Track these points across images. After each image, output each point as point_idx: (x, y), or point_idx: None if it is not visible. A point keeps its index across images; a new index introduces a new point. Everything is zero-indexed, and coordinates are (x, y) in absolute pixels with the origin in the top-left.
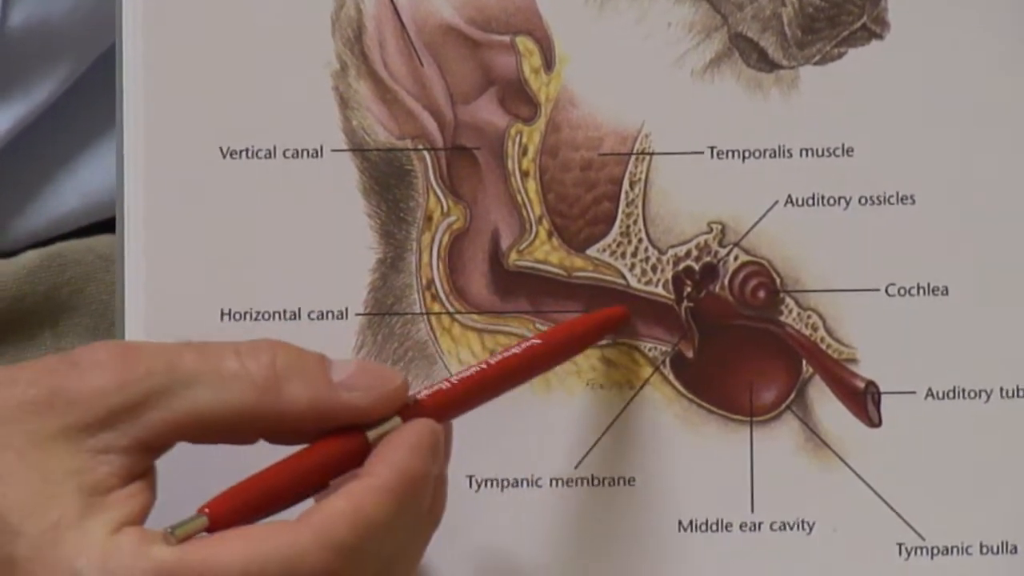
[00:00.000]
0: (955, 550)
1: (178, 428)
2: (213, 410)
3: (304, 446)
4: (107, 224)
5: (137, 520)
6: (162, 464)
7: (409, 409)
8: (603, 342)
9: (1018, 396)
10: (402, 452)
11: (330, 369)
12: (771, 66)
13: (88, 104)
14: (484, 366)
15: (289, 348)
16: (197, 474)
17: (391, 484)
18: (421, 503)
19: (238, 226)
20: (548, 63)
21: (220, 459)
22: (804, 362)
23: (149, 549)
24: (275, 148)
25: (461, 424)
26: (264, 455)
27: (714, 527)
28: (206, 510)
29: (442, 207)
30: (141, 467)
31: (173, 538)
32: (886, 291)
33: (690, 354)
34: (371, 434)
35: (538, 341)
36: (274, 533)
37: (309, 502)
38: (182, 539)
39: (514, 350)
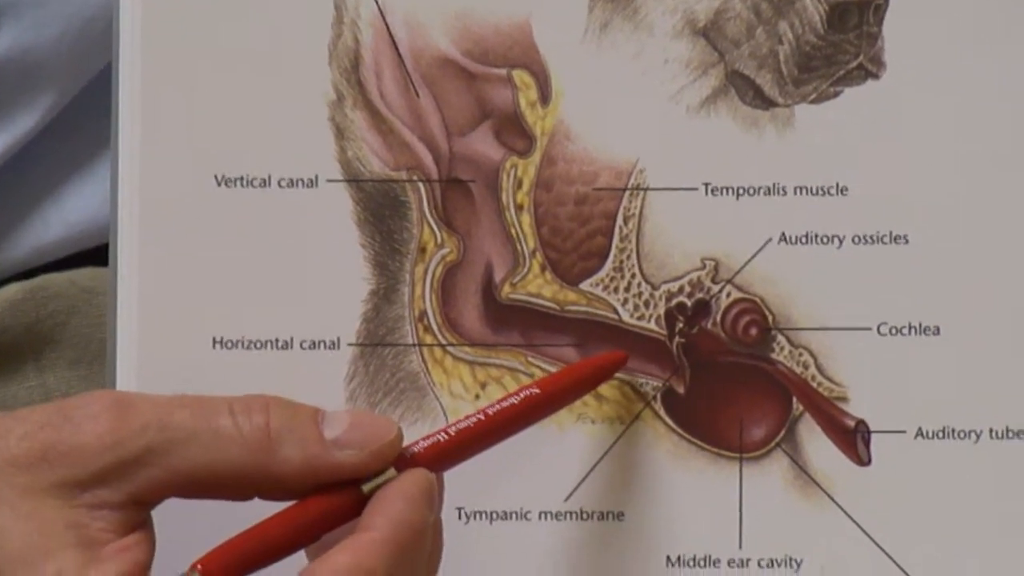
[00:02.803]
0: None
1: (171, 485)
2: (206, 468)
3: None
4: (91, 254)
5: (136, 573)
6: (158, 514)
7: (405, 461)
8: None
9: (1008, 437)
10: (399, 504)
11: (323, 424)
12: (767, 104)
13: (74, 133)
14: (481, 416)
15: (283, 406)
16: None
17: (390, 537)
18: (420, 554)
19: (232, 254)
20: (544, 97)
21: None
22: (795, 399)
23: None
24: (270, 177)
25: None
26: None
27: (702, 563)
28: (199, 566)
29: (436, 239)
30: (136, 521)
31: None
32: (878, 330)
33: (681, 390)
34: (366, 487)
35: (536, 390)
36: None
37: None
38: None
39: (512, 400)
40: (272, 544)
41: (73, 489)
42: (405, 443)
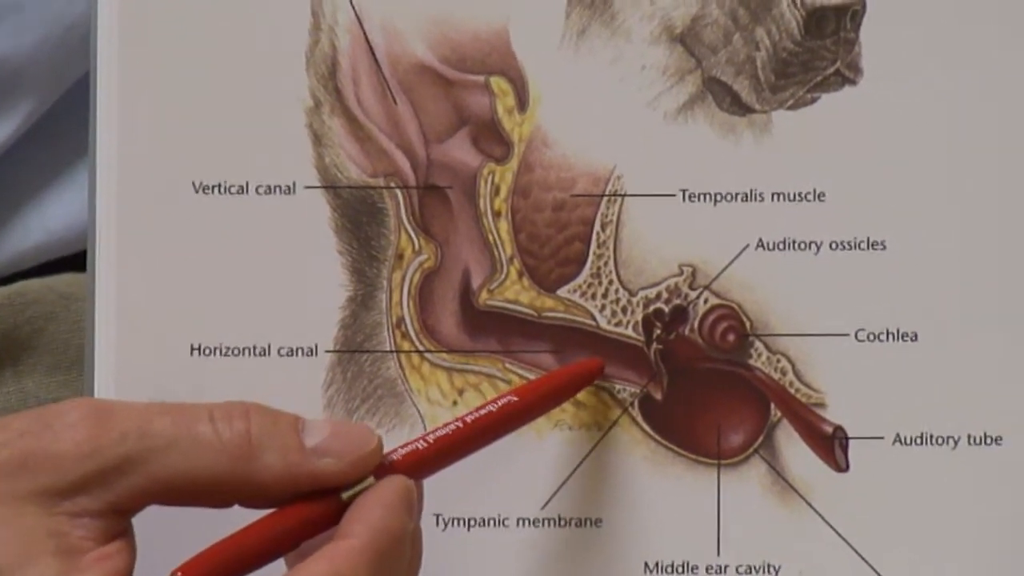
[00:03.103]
0: None
1: (151, 493)
2: (186, 476)
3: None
4: (68, 261)
5: None
6: (140, 523)
7: (384, 469)
8: None
9: (986, 443)
10: (378, 511)
11: (304, 433)
12: (744, 110)
13: (54, 139)
14: (460, 424)
15: (263, 413)
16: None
17: (369, 544)
18: (399, 561)
19: (209, 261)
20: (522, 103)
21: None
22: (772, 406)
23: None
24: (248, 184)
25: None
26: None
27: (680, 569)
28: (179, 574)
29: (413, 245)
30: (116, 528)
31: None
32: (856, 336)
33: (659, 396)
34: (346, 495)
35: (514, 398)
36: None
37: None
38: None
39: (490, 407)
40: (251, 552)
41: (53, 497)
42: (384, 451)
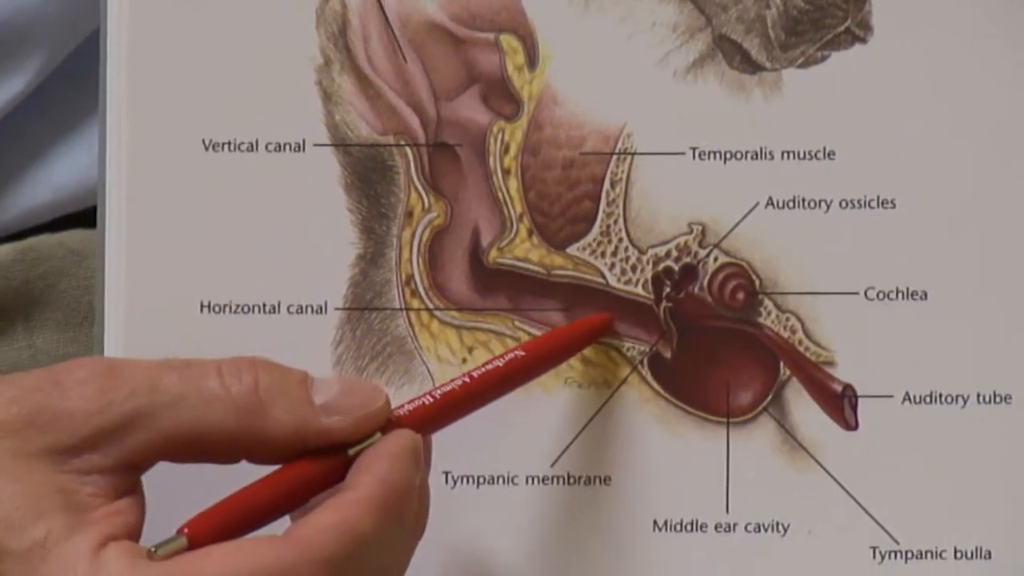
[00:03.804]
0: (929, 555)
1: (160, 448)
2: (195, 431)
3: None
4: (79, 217)
5: (125, 536)
6: (147, 479)
7: (390, 424)
8: None
9: (995, 402)
10: (384, 463)
11: (313, 390)
12: (754, 68)
13: (64, 96)
14: (467, 379)
15: (272, 368)
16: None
17: (376, 495)
18: (406, 513)
19: (219, 219)
20: (531, 61)
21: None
22: (782, 364)
23: (135, 564)
24: (257, 141)
25: None
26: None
27: (689, 527)
28: (185, 530)
29: (423, 203)
30: (126, 485)
31: (156, 556)
32: (865, 295)
33: (668, 354)
34: (352, 450)
35: (521, 352)
36: (261, 549)
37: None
38: (164, 559)
39: (496, 362)
40: (258, 508)
41: (62, 454)
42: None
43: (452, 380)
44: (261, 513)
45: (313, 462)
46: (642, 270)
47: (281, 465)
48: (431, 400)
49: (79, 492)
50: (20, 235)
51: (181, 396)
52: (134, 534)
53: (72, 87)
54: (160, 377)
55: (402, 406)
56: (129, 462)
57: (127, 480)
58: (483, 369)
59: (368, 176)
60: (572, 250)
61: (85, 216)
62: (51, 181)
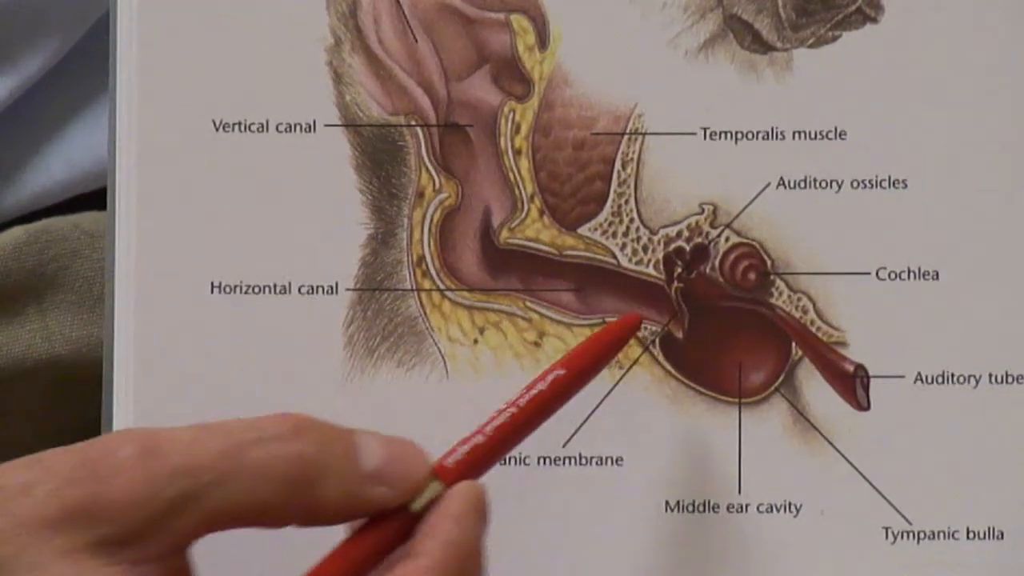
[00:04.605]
0: (942, 535)
1: (208, 527)
2: (242, 507)
3: (344, 529)
4: (93, 197)
5: None
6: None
7: (446, 470)
8: (592, 321)
9: (1007, 382)
10: (448, 525)
11: (359, 456)
12: (765, 48)
13: (77, 76)
14: (514, 410)
15: (317, 435)
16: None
17: (440, 562)
18: (474, 572)
19: (230, 199)
20: (542, 41)
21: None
22: (793, 345)
23: None
24: (268, 122)
25: (450, 402)
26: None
27: (701, 508)
28: None
29: (434, 184)
30: (178, 568)
31: None
32: (877, 275)
33: (680, 335)
34: (415, 505)
35: (561, 371)
36: None
37: None
38: None
39: (539, 385)
40: None
41: (112, 547)
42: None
43: (500, 412)
44: None
45: (381, 527)
46: (653, 250)
47: (346, 535)
48: (483, 439)
49: None
50: (34, 216)
51: (227, 473)
52: None
53: (87, 66)
54: (200, 454)
55: (455, 449)
56: (179, 545)
57: (178, 562)
58: (528, 395)
59: (379, 156)
60: (583, 231)
61: (99, 197)
62: (66, 161)
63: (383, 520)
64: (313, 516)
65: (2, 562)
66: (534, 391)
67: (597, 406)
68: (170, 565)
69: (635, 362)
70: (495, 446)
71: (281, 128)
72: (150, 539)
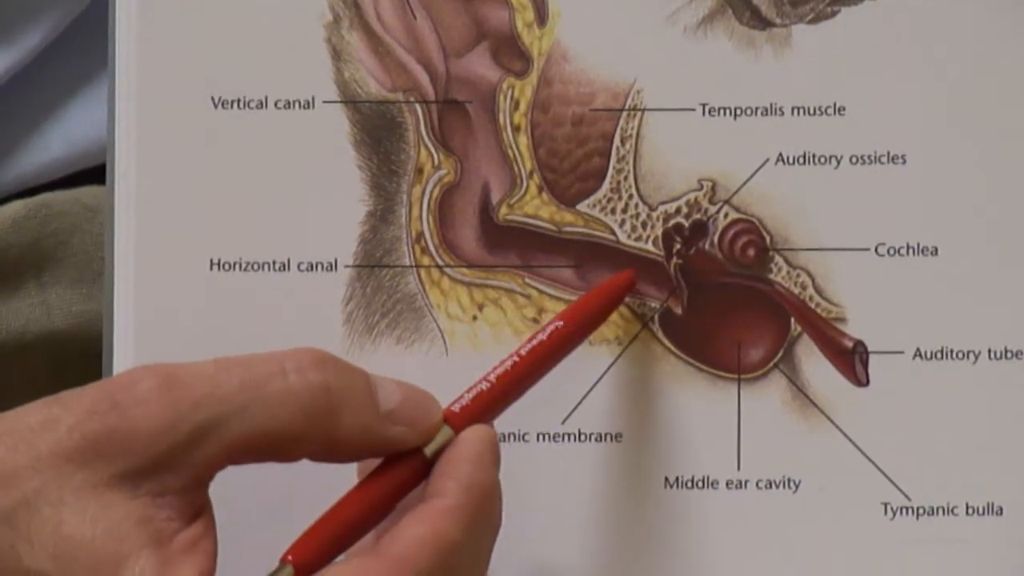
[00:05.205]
0: (941, 511)
1: (228, 457)
2: (263, 435)
3: (363, 470)
4: (92, 173)
5: (210, 567)
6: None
7: (455, 416)
8: None
9: (1006, 358)
10: (467, 467)
11: (377, 395)
12: (764, 24)
13: (75, 52)
14: (516, 359)
15: (337, 369)
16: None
17: (463, 502)
18: (494, 515)
19: (228, 176)
20: (541, 18)
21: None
22: (792, 320)
23: None
24: (267, 99)
25: (449, 379)
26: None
27: (700, 484)
28: (289, 558)
29: (433, 160)
30: (198, 503)
31: None
32: (876, 251)
33: (679, 311)
34: (428, 449)
35: (560, 323)
36: (361, 571)
37: None
38: None
39: (539, 337)
40: (355, 525)
41: (134, 479)
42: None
43: (502, 362)
44: (357, 530)
45: (396, 469)
46: (652, 226)
47: (360, 477)
48: (489, 386)
49: (155, 518)
50: (34, 191)
51: (248, 402)
52: (214, 560)
53: (86, 43)
54: (221, 384)
55: (462, 396)
56: (200, 477)
57: (198, 497)
58: (529, 346)
59: (378, 133)
60: (582, 207)
61: (99, 172)
62: (65, 137)
63: (397, 462)
64: (330, 449)
65: (26, 499)
66: (535, 342)
67: (596, 382)
68: (190, 499)
69: (634, 338)
70: (499, 394)
71: (280, 105)
72: (172, 470)
